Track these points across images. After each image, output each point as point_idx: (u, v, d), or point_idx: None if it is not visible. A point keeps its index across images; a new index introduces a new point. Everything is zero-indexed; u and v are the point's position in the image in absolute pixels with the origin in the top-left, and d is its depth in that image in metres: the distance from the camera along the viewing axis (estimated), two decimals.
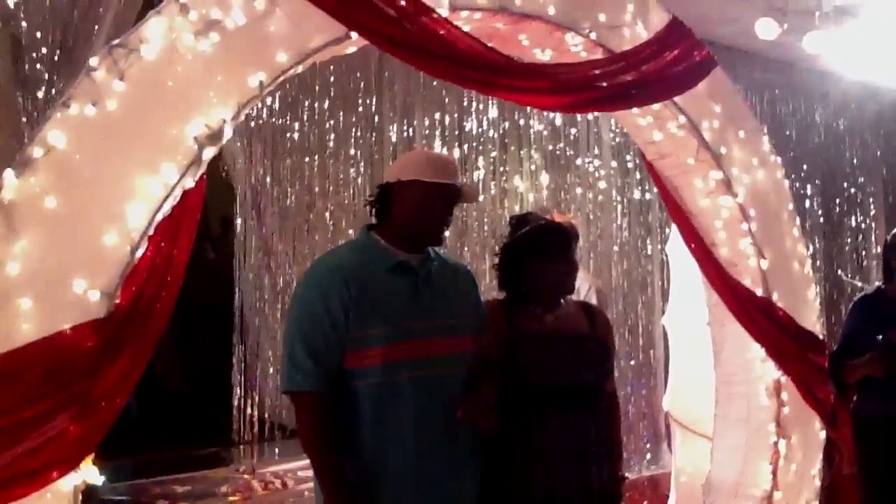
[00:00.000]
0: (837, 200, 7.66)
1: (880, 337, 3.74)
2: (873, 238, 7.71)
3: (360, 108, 5.50)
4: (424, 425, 2.46)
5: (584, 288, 4.20)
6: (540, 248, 2.79)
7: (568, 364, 2.72)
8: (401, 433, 2.44)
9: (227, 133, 2.72)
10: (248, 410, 5.35)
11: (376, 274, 2.50)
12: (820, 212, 7.45)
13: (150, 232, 2.58)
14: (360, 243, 2.63)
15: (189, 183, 2.67)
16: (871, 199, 7.80)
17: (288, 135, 5.42)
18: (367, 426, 2.44)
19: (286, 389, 2.48)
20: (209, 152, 2.68)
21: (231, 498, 4.27)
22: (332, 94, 5.43)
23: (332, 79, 5.40)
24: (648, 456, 6.37)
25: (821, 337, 4.12)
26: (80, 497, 2.53)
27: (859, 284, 6.79)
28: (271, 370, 5.44)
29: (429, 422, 2.46)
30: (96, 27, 4.25)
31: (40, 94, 3.96)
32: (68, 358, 2.37)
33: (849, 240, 7.71)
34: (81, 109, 2.50)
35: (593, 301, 4.18)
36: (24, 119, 3.94)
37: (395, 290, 2.50)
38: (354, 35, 2.94)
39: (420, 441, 2.45)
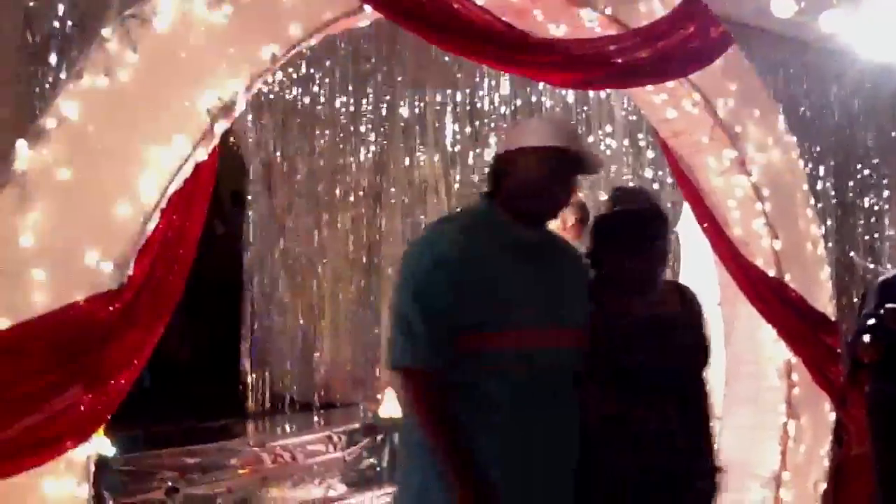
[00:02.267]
0: (851, 182, 7.60)
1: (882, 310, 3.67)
2: (886, 220, 7.66)
3: (372, 83, 5.47)
4: (525, 425, 2.25)
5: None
6: (619, 240, 2.59)
7: (658, 349, 2.54)
8: (499, 431, 2.23)
9: (240, 106, 2.71)
10: (259, 384, 5.37)
11: (492, 249, 2.30)
12: (833, 193, 7.39)
13: (163, 205, 2.57)
14: (479, 212, 2.42)
15: (201, 156, 2.66)
16: (884, 181, 7.73)
17: (299, 108, 5.39)
18: (467, 415, 2.23)
19: (400, 365, 2.27)
20: (222, 125, 2.67)
21: (240, 471, 4.30)
22: (343, 68, 5.40)
23: (343, 53, 5.37)
24: None
25: (833, 318, 4.10)
26: (93, 467, 2.54)
27: (871, 266, 6.76)
28: (281, 345, 5.46)
29: (530, 421, 2.25)
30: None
31: (52, 66, 3.95)
32: (81, 329, 2.37)
33: (861, 221, 7.65)
34: (94, 81, 2.48)
35: None
36: (36, 90, 3.94)
37: (509, 270, 2.30)
38: (368, 8, 2.91)
39: (519, 442, 2.24)
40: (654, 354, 2.53)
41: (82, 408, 2.35)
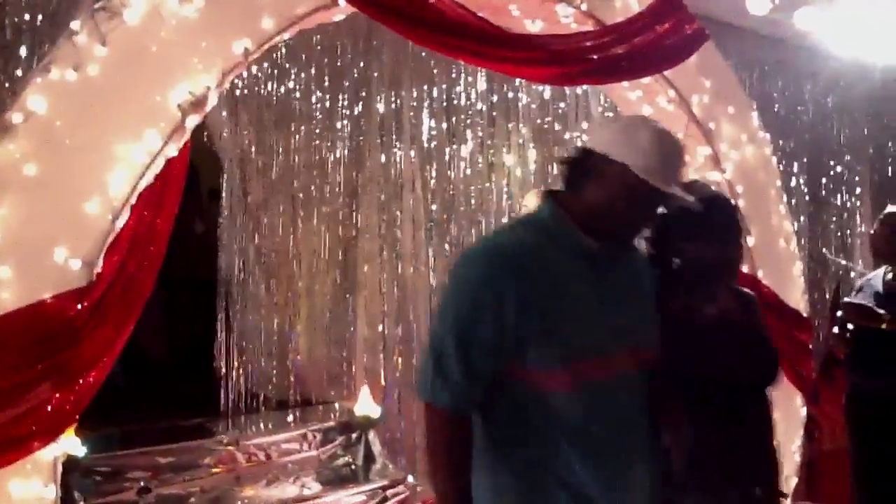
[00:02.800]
0: (823, 179, 7.66)
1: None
2: (858, 217, 7.73)
3: (347, 79, 5.43)
4: (598, 457, 1.95)
5: None
6: (704, 226, 2.31)
7: (724, 358, 2.30)
8: (567, 467, 1.94)
9: (212, 100, 2.68)
10: (234, 381, 5.33)
11: (559, 264, 1.96)
12: (805, 189, 7.45)
13: (133, 200, 2.54)
14: (541, 219, 2.04)
15: (172, 151, 2.63)
16: (857, 178, 7.80)
17: (274, 104, 5.34)
18: (530, 447, 1.95)
19: (424, 399, 1.97)
20: (193, 120, 2.64)
21: (214, 470, 4.25)
22: (318, 63, 5.36)
23: (318, 48, 5.32)
24: None
25: (805, 314, 4.13)
26: (61, 468, 2.50)
27: (843, 262, 6.82)
28: (256, 342, 5.42)
29: (604, 452, 1.96)
30: None
31: (22, 59, 3.88)
32: (49, 327, 2.34)
33: (834, 218, 7.72)
34: (62, 74, 2.45)
35: None
36: (5, 84, 3.87)
37: (579, 288, 1.97)
38: (342, 2, 2.89)
39: (589, 479, 1.94)
40: (719, 363, 2.28)
41: (50, 407, 2.32)
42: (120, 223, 2.51)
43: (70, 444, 2.99)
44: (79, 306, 2.38)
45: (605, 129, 2.14)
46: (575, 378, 1.91)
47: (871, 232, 3.91)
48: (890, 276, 3.72)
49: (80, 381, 2.40)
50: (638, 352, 2.03)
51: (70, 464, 2.98)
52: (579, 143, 2.11)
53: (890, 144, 8.01)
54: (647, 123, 2.03)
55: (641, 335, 2.06)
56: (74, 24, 2.50)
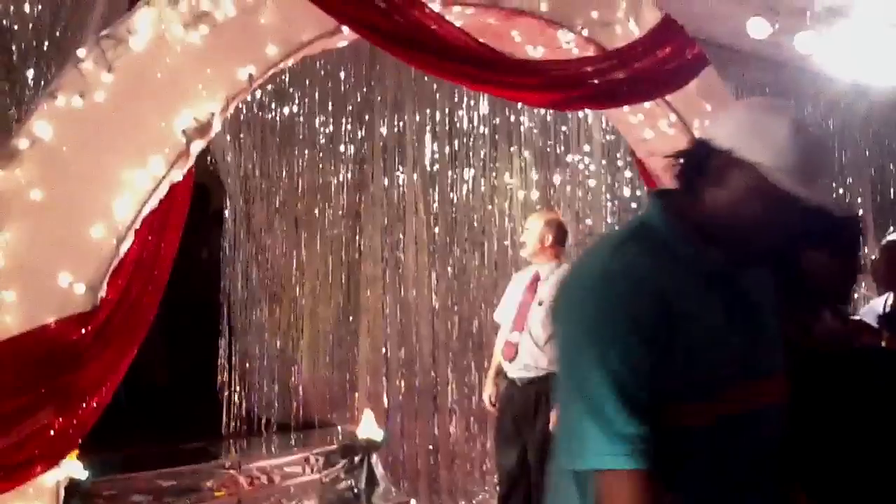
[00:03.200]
0: None
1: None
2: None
3: (351, 103, 5.47)
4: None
5: None
6: (834, 235, 1.99)
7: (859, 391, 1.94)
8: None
9: (216, 126, 2.71)
10: (236, 405, 5.33)
11: (685, 284, 1.61)
12: None
13: (137, 225, 2.56)
14: (655, 231, 1.66)
15: (177, 176, 2.65)
16: (858, 199, 7.82)
17: (278, 127, 5.38)
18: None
19: (596, 467, 1.51)
20: (197, 145, 2.66)
21: (217, 493, 4.24)
22: (322, 87, 5.40)
23: (322, 73, 5.37)
24: None
25: None
26: (63, 492, 2.50)
27: None
28: (259, 365, 5.42)
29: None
30: (88, 18, 4.24)
31: (29, 85, 3.93)
32: (53, 351, 2.35)
33: None
34: (68, 101, 2.48)
35: None
36: (11, 110, 3.91)
37: (710, 311, 1.63)
38: (346, 29, 2.92)
39: None
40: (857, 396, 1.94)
41: (52, 431, 2.32)
42: (124, 248, 2.53)
43: (72, 467, 2.98)
44: (83, 331, 2.39)
45: (729, 117, 1.67)
46: (713, 411, 1.60)
47: (872, 259, 3.90)
48: (891, 301, 3.71)
49: (83, 406, 2.41)
50: (773, 381, 1.71)
51: (72, 488, 2.97)
52: (699, 135, 1.73)
53: (891, 166, 8.04)
54: (783, 110, 1.62)
55: (776, 360, 1.73)
56: (80, 52, 2.53)
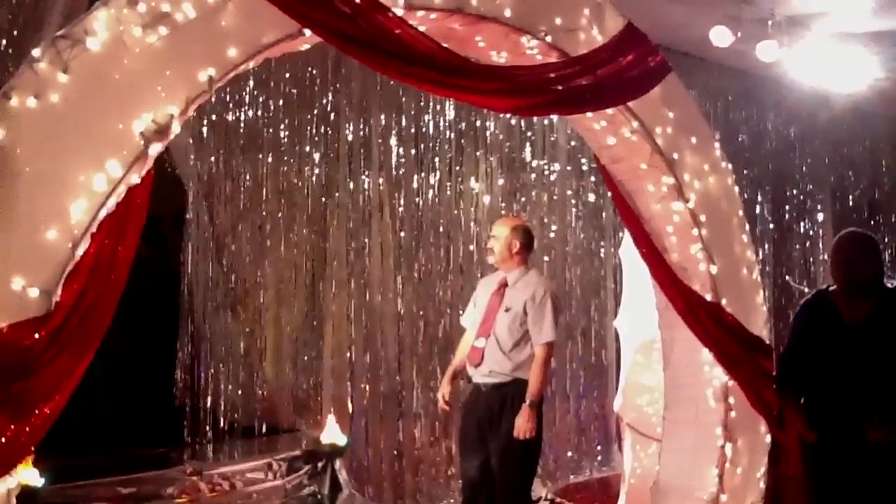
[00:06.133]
0: (787, 207, 7.79)
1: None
2: (821, 244, 7.86)
3: (316, 106, 5.45)
4: None
5: (539, 293, 4.20)
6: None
7: None
8: None
9: (175, 129, 2.67)
10: (200, 409, 5.27)
11: None
12: (769, 218, 7.57)
13: (94, 229, 2.51)
14: None
15: (135, 179, 2.61)
16: (818, 206, 7.95)
17: (242, 130, 5.34)
18: None
19: None
20: (156, 148, 2.63)
21: (178, 500, 4.20)
22: (287, 90, 5.37)
23: (287, 75, 5.34)
24: (599, 458, 6.43)
25: (768, 341, 4.18)
26: (16, 501, 2.45)
27: (806, 290, 6.92)
28: (222, 370, 5.37)
29: None
30: (47, 18, 4.17)
31: None
32: (5, 357, 2.30)
33: (797, 246, 7.85)
34: (23, 101, 2.43)
35: (548, 306, 4.17)
36: None
37: None
38: (308, 32, 2.91)
39: None
40: None
41: (3, 439, 2.27)
42: (80, 251, 2.48)
43: (28, 475, 2.93)
44: (36, 335, 2.34)
45: None
46: None
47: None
48: None
49: (36, 412, 2.36)
50: None
51: (27, 496, 2.92)
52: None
53: (850, 173, 8.18)
54: None
55: None
56: (35, 52, 2.48)
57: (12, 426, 2.32)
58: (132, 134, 2.56)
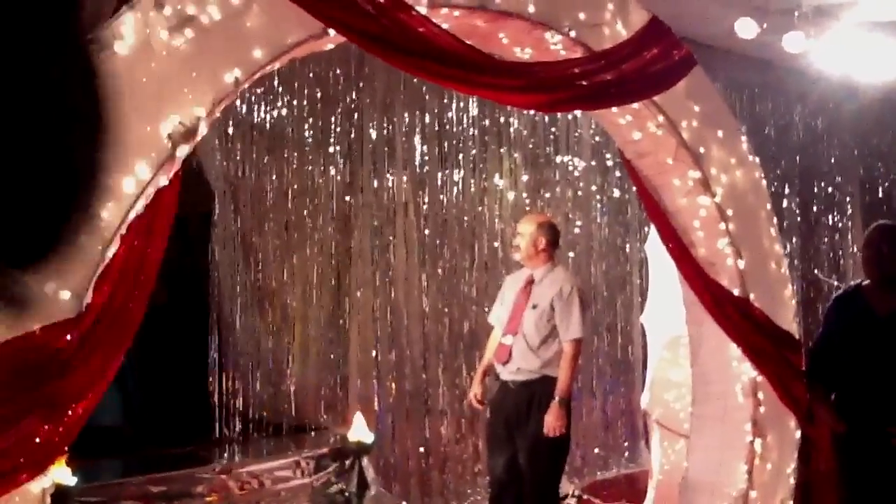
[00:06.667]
0: (814, 200, 7.70)
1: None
2: (850, 237, 7.76)
3: (340, 105, 5.46)
4: None
5: (566, 289, 4.19)
6: None
7: None
8: None
9: (202, 130, 2.69)
10: (228, 408, 5.31)
11: None
12: (797, 211, 7.49)
13: (123, 231, 2.54)
14: None
15: (163, 181, 2.64)
16: (847, 199, 7.85)
17: (267, 130, 5.37)
18: None
19: None
20: (183, 150, 2.65)
21: (208, 498, 4.23)
22: (311, 89, 5.39)
23: (311, 74, 5.36)
24: (626, 454, 6.40)
25: (797, 336, 4.14)
26: (51, 499, 2.49)
27: (836, 283, 6.84)
28: (250, 368, 5.40)
29: None
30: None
31: None
32: (38, 358, 2.33)
33: (826, 239, 7.75)
34: None
35: (575, 303, 4.16)
36: None
37: None
38: (332, 32, 2.91)
39: None
40: None
41: (38, 439, 2.30)
42: (110, 253, 2.51)
43: (61, 474, 2.96)
44: (68, 337, 2.37)
45: None
46: None
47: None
48: None
49: (69, 413, 2.39)
50: None
51: (60, 495, 2.95)
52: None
53: (879, 165, 8.06)
54: None
55: None
56: None
57: (46, 426, 2.35)
58: (160, 136, 2.58)
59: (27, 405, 2.29)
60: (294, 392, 5.42)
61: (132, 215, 2.55)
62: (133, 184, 2.53)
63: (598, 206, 6.36)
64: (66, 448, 2.49)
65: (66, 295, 2.40)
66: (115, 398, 4.88)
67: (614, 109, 3.81)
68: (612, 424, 6.33)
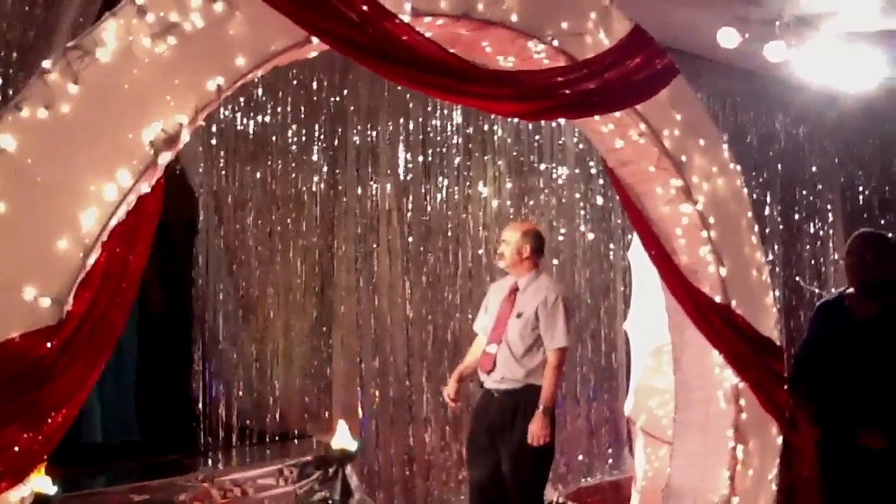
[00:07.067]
0: (796, 207, 7.77)
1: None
2: (831, 244, 7.83)
3: (324, 112, 5.46)
4: None
5: (550, 297, 4.20)
6: None
7: None
8: None
9: (184, 137, 2.69)
10: (211, 416, 5.28)
11: None
12: (779, 218, 7.55)
13: (105, 238, 2.53)
14: None
15: (145, 188, 2.63)
16: (829, 206, 7.92)
17: (250, 137, 5.36)
18: None
19: None
20: (165, 157, 2.64)
21: None
22: (294, 96, 5.38)
23: (294, 82, 5.36)
24: (610, 461, 6.41)
25: (778, 343, 4.17)
26: None
27: (817, 290, 6.90)
28: (233, 375, 5.38)
29: None
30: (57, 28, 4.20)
31: None
32: (18, 366, 2.31)
33: (808, 246, 7.82)
34: (34, 112, 2.45)
35: (560, 311, 4.17)
36: None
37: None
38: (315, 39, 2.92)
39: None
40: None
41: (17, 448, 2.28)
42: (91, 260, 2.50)
43: (41, 483, 2.94)
44: (48, 344, 2.36)
45: None
46: None
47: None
48: None
49: (49, 421, 2.37)
50: None
51: (41, 503, 2.93)
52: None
53: (860, 173, 8.14)
54: None
55: None
56: (46, 63, 2.50)
57: (25, 434, 2.34)
58: (142, 143, 2.58)
59: (7, 413, 2.28)
60: (278, 400, 5.40)
61: (114, 222, 2.54)
62: (115, 190, 2.52)
63: (582, 213, 6.38)
64: (46, 456, 2.47)
65: (46, 302, 2.39)
66: (97, 407, 4.84)
67: (597, 118, 3.83)
68: (596, 431, 6.35)
